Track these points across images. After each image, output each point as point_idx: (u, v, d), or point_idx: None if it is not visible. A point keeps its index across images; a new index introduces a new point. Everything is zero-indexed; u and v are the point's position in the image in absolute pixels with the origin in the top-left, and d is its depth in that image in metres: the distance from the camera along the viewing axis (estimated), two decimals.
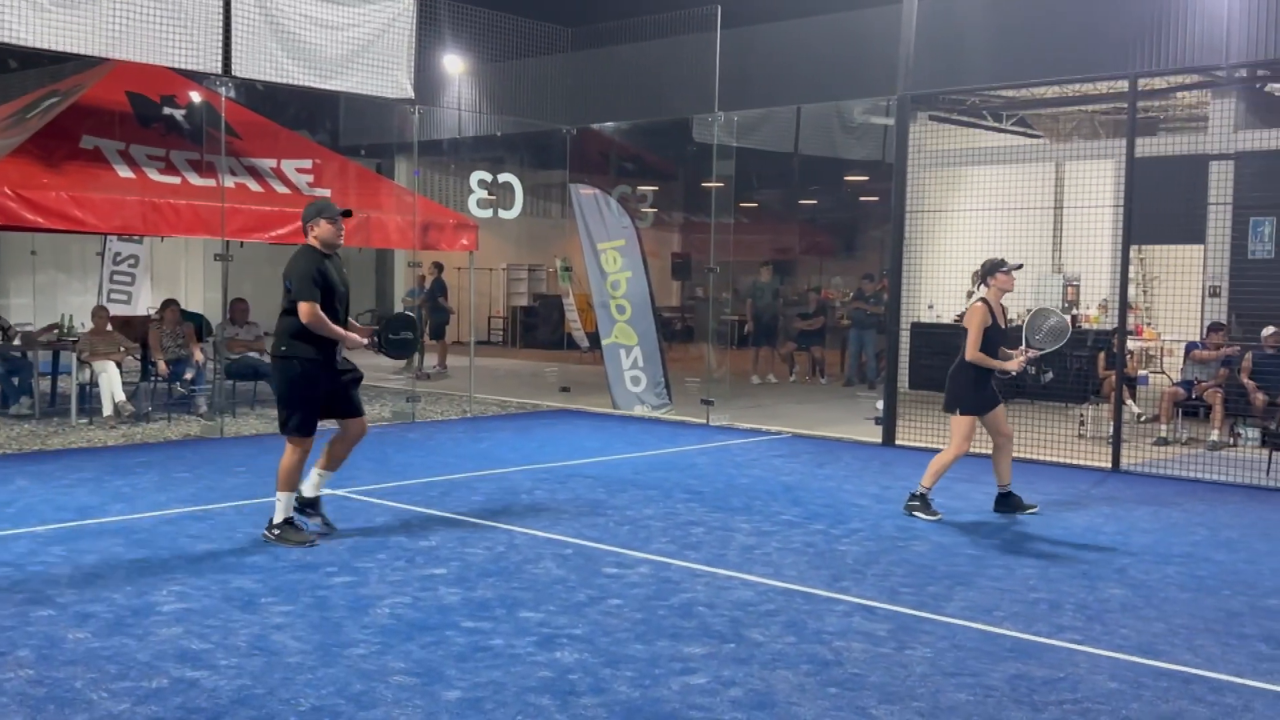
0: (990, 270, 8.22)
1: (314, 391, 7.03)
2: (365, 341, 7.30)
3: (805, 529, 7.85)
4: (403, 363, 6.88)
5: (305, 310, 6.82)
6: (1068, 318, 8.45)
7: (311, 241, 7.05)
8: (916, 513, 8.26)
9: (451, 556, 6.87)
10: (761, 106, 16.56)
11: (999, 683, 4.95)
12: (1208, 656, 5.36)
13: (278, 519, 7.10)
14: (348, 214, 7.23)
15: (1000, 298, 8.27)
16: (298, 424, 7.00)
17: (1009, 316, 8.45)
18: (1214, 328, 12.44)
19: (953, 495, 9.08)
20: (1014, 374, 8.26)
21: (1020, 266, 8.32)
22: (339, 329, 7.01)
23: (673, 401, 14.05)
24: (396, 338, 7.57)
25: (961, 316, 8.82)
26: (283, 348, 6.97)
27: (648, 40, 18.78)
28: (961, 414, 8.20)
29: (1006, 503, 8.45)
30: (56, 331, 13.00)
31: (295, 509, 7.20)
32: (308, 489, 7.30)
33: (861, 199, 25.16)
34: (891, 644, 5.44)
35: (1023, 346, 8.24)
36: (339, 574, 6.43)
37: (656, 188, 22.19)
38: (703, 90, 14.56)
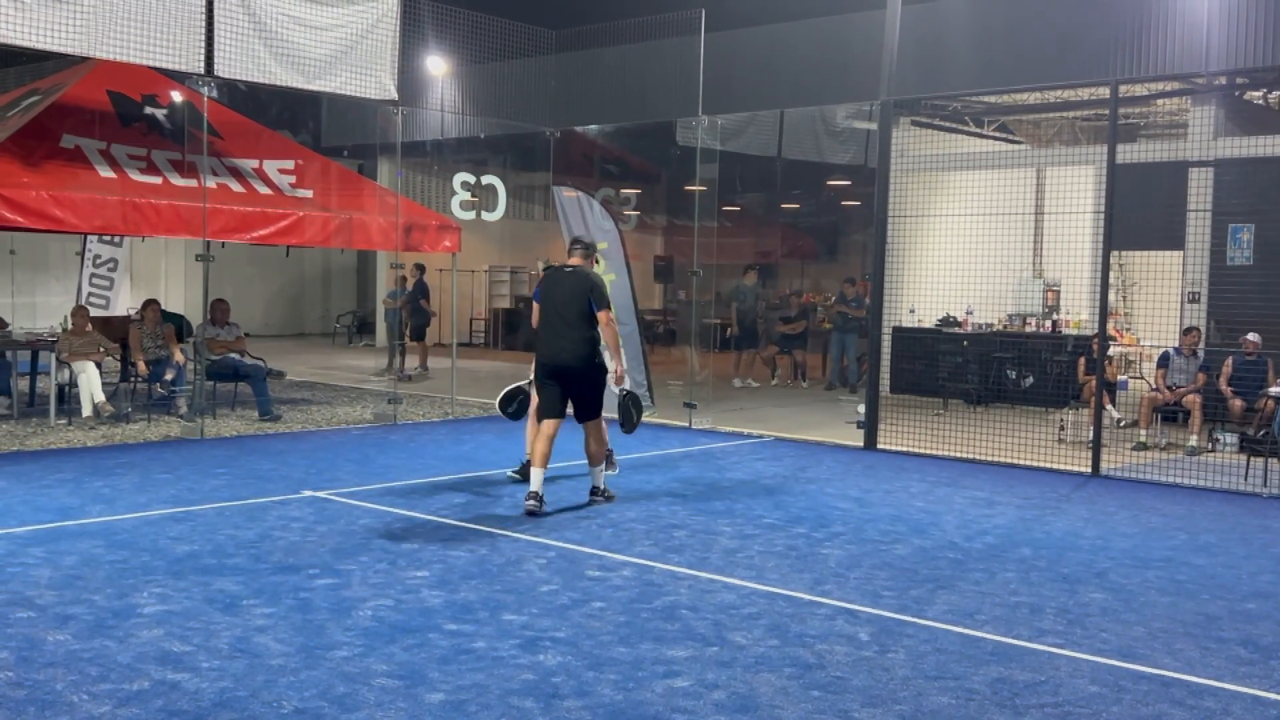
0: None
1: None
2: (620, 374, 8.61)
3: (787, 532, 7.87)
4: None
5: (607, 318, 8.34)
6: None
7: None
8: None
9: (434, 559, 6.86)
10: (745, 111, 16.59)
11: (981, 686, 4.97)
12: (1187, 660, 5.40)
13: (602, 484, 8.74)
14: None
15: None
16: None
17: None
18: (1187, 331, 12.56)
19: (934, 500, 9.13)
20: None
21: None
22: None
23: (655, 404, 14.04)
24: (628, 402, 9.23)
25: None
26: (597, 360, 8.46)
27: (631, 43, 18.81)
28: None
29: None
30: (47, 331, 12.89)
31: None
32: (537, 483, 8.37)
33: (844, 203, 25.23)
34: (874, 647, 5.46)
35: None
36: (321, 576, 6.42)
37: (640, 190, 22.17)
38: (686, 94, 14.59)
